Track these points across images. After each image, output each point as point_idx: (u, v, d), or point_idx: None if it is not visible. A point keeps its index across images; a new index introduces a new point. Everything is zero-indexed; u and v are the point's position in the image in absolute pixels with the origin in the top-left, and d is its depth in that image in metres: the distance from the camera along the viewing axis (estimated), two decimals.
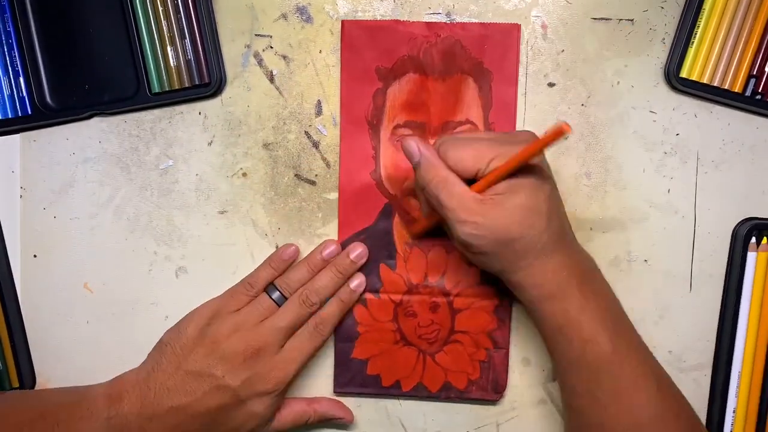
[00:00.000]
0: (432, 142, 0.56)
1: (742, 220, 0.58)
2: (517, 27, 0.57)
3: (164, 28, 0.57)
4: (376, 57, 0.57)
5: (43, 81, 0.58)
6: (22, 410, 0.55)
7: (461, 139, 0.50)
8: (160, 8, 0.57)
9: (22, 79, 0.58)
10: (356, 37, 0.57)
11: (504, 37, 0.57)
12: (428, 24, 0.57)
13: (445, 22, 0.57)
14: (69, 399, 0.55)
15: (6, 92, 0.58)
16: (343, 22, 0.58)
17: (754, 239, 0.57)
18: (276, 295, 0.56)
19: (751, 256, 0.57)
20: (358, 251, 0.57)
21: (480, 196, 0.48)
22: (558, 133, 0.44)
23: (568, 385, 0.51)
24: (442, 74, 0.57)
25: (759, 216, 0.58)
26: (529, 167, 0.48)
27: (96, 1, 0.57)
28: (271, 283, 0.57)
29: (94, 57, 0.58)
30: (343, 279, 0.57)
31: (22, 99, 0.58)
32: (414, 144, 0.50)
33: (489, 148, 0.48)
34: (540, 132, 0.47)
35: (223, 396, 0.54)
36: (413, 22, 0.57)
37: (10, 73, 0.58)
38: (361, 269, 0.58)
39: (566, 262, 0.49)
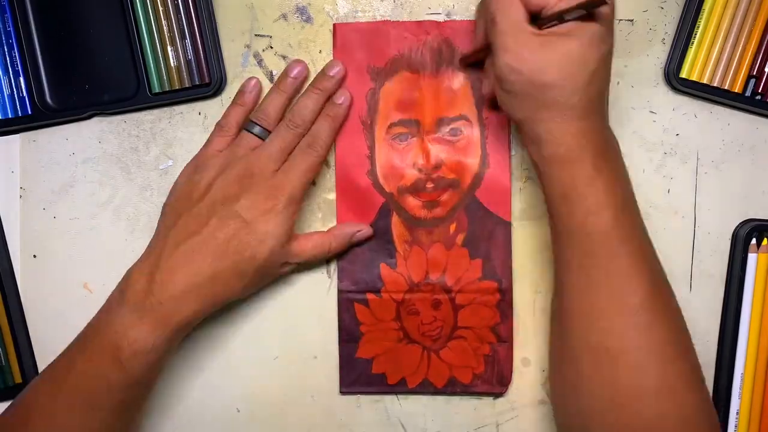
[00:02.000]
0: (428, 137, 0.58)
1: (743, 222, 0.57)
2: None
3: (164, 27, 0.57)
4: (368, 57, 0.58)
5: (43, 81, 0.58)
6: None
7: None
8: (161, 8, 0.57)
9: (22, 79, 0.58)
10: (348, 39, 0.58)
11: None
12: (418, 23, 0.58)
13: (435, 21, 0.58)
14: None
15: (6, 92, 0.58)
16: (335, 25, 0.58)
17: (754, 240, 0.57)
18: (256, 129, 0.55)
19: (751, 258, 0.57)
20: (336, 68, 0.57)
21: (535, 30, 0.46)
22: None
23: (562, 259, 0.50)
24: (433, 72, 0.57)
25: (759, 217, 0.57)
26: (597, 20, 0.46)
27: (96, 1, 0.57)
28: (248, 120, 0.56)
29: (95, 57, 0.58)
30: (324, 97, 0.57)
31: (22, 99, 0.58)
32: None
33: None
34: None
35: (228, 222, 0.52)
36: (403, 22, 0.58)
37: (10, 72, 0.58)
38: (361, 270, 0.58)
39: (590, 130, 0.47)
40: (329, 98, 0.57)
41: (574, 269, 0.49)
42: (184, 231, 0.52)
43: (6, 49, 0.58)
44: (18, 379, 0.59)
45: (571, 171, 0.48)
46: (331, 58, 0.58)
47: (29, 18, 0.58)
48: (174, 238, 0.52)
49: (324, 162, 0.57)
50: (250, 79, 0.58)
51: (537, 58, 0.46)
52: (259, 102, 0.57)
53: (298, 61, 0.58)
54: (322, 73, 0.57)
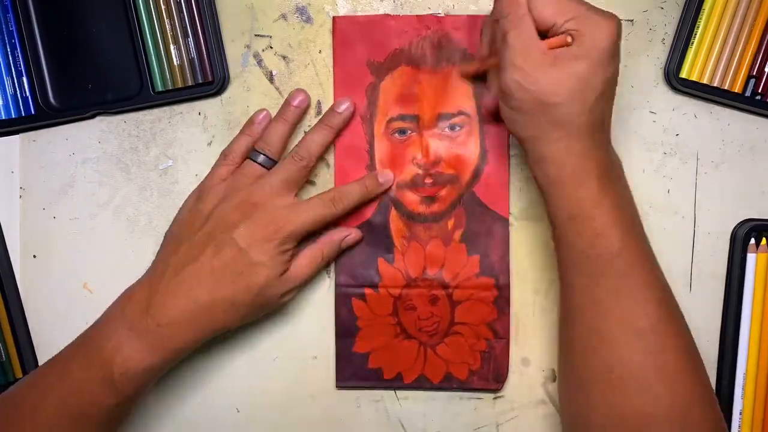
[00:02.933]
0: (428, 132, 0.58)
1: (742, 221, 0.57)
2: None
3: (167, 26, 0.57)
4: (368, 52, 0.58)
5: (47, 81, 0.58)
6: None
7: None
8: (163, 7, 0.57)
9: (25, 79, 0.58)
10: (348, 32, 0.58)
11: None
12: (419, 17, 0.58)
13: (435, 15, 0.58)
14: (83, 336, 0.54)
15: (9, 92, 0.58)
16: (334, 18, 0.58)
17: (753, 240, 0.57)
18: (260, 158, 0.55)
19: (750, 258, 0.57)
20: (344, 104, 0.57)
21: (545, 49, 0.47)
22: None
23: (569, 283, 0.49)
24: (433, 67, 0.58)
25: (759, 217, 0.57)
26: (608, 41, 0.46)
27: (99, 0, 0.58)
28: (252, 149, 0.56)
29: (97, 56, 0.58)
30: (333, 133, 0.57)
31: (25, 99, 0.58)
32: None
33: (573, 6, 0.47)
34: None
35: (224, 249, 0.52)
36: (404, 16, 0.58)
37: (14, 72, 0.58)
38: (359, 264, 0.58)
39: (595, 151, 0.48)
40: (338, 133, 0.57)
41: (580, 293, 0.49)
42: (184, 258, 0.53)
43: (9, 49, 0.58)
44: (19, 374, 0.59)
45: (576, 192, 0.48)
46: (332, 58, 0.58)
47: (32, 18, 0.58)
48: (174, 265, 0.53)
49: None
50: (260, 111, 0.58)
51: (547, 78, 0.46)
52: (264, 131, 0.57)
53: (300, 90, 0.58)
54: (331, 110, 0.57)
